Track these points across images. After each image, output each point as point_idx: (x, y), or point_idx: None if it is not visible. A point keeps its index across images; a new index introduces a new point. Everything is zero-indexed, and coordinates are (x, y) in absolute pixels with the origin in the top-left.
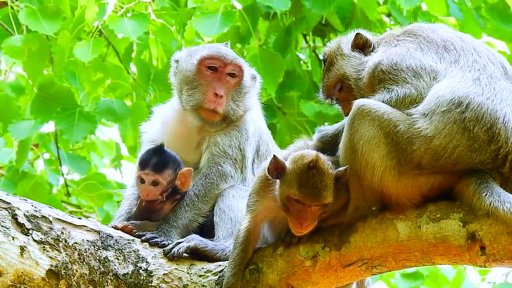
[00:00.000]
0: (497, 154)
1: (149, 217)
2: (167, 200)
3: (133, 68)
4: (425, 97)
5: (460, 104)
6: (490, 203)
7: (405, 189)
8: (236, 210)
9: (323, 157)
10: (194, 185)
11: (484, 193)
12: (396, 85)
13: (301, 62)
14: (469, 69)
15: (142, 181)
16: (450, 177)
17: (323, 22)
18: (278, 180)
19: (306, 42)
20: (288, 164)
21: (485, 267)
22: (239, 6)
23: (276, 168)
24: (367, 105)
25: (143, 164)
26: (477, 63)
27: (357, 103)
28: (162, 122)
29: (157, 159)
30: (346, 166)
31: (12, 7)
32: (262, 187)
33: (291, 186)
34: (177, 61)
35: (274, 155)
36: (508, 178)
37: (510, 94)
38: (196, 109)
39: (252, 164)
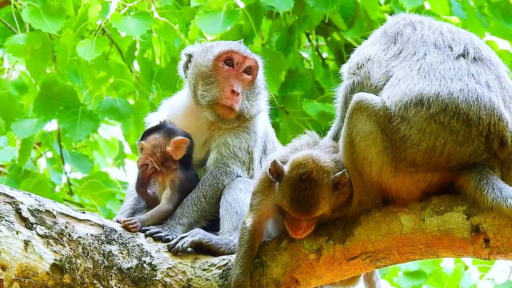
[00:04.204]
0: (482, 135)
1: (146, 188)
2: (162, 169)
3: (136, 66)
4: (376, 82)
5: (421, 103)
6: (493, 200)
7: (403, 185)
8: (242, 204)
9: (323, 161)
10: (201, 185)
11: (486, 190)
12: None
13: (304, 61)
14: (409, 63)
15: (141, 149)
16: (447, 173)
17: (326, 21)
18: (277, 182)
19: (309, 40)
20: (286, 168)
21: (489, 259)
22: (242, 5)
23: (276, 172)
24: (365, 100)
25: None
26: (417, 53)
27: (356, 97)
28: (169, 115)
29: (146, 130)
30: (343, 170)
31: (15, 6)
32: (267, 186)
33: (284, 196)
34: (189, 55)
35: (274, 160)
36: (504, 161)
37: (458, 70)
38: (212, 105)
39: (260, 162)
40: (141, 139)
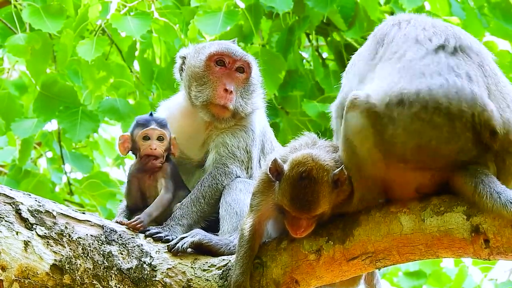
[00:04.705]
0: (467, 128)
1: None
2: (163, 165)
3: (136, 66)
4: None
5: (403, 102)
6: (492, 206)
7: (397, 182)
8: (242, 205)
9: (322, 160)
10: (201, 186)
11: (484, 196)
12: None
13: (304, 61)
14: (390, 62)
15: (146, 138)
16: (440, 173)
17: (326, 21)
18: (277, 182)
19: (309, 41)
20: (286, 167)
21: (489, 260)
22: (242, 5)
23: (276, 171)
24: (359, 97)
25: (146, 122)
26: (398, 51)
27: (351, 95)
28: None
29: (157, 118)
30: (341, 167)
31: (15, 6)
32: (267, 186)
33: (284, 195)
34: (183, 58)
35: (274, 159)
36: (498, 154)
37: (437, 64)
38: (206, 105)
39: (259, 161)
40: (161, 128)
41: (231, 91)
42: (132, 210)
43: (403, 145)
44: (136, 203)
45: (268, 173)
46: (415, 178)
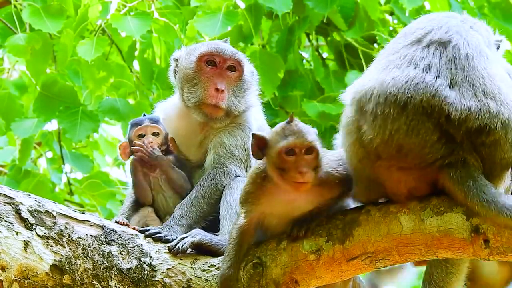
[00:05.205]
0: (422, 117)
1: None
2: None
3: (136, 66)
4: None
5: (365, 98)
6: (486, 213)
7: (388, 183)
8: None
9: None
10: (200, 186)
11: (477, 206)
12: None
13: (304, 61)
14: (378, 57)
15: (141, 135)
16: (423, 175)
17: (326, 21)
18: (265, 158)
19: (309, 41)
20: (268, 136)
21: (489, 260)
22: (242, 5)
23: (259, 144)
24: (355, 92)
25: (139, 121)
26: (387, 49)
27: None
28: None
29: (150, 116)
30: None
31: (15, 6)
32: (254, 196)
33: (279, 142)
34: (176, 60)
35: (252, 133)
36: (473, 146)
37: (403, 58)
38: (199, 105)
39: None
40: (155, 123)
41: (223, 90)
42: (137, 204)
43: (372, 141)
44: (146, 194)
45: (252, 155)
46: (404, 180)
